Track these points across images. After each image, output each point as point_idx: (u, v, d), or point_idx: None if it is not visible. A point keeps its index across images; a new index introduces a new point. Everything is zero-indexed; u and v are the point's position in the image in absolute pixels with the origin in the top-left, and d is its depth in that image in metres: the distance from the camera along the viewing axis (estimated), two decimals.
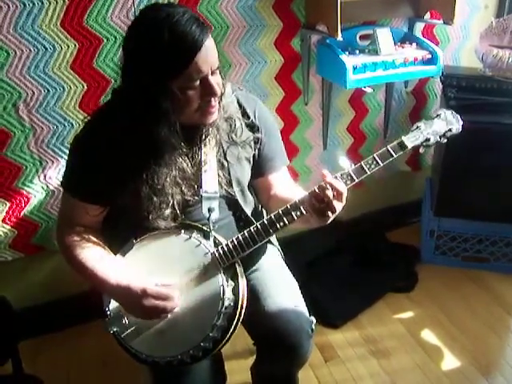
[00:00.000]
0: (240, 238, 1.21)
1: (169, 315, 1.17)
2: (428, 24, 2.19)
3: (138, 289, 1.15)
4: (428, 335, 2.08)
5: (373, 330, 2.11)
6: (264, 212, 1.50)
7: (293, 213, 1.18)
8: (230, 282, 1.21)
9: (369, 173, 1.18)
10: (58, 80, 1.74)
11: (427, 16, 2.12)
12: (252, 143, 1.33)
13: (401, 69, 1.96)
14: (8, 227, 1.90)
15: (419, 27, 2.20)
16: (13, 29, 1.62)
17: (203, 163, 1.24)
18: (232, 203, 1.35)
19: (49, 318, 2.11)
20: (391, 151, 1.19)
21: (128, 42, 1.10)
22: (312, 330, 1.36)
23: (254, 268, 1.41)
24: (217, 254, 1.21)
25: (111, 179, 1.18)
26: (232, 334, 1.20)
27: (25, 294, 2.03)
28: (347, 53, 1.95)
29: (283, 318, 1.31)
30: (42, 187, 1.89)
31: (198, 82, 1.08)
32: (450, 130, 1.25)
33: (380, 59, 1.92)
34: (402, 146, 1.20)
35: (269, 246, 1.48)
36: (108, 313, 1.24)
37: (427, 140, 1.22)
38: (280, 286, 1.40)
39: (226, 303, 1.17)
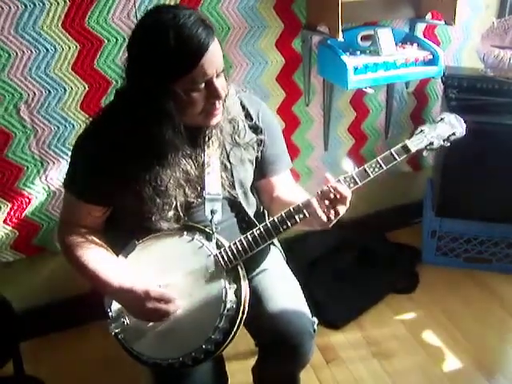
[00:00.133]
0: (243, 240, 1.20)
1: (171, 317, 1.17)
2: (429, 24, 2.19)
3: (140, 291, 1.14)
4: (429, 336, 2.07)
5: (374, 331, 2.11)
6: (266, 214, 1.50)
7: (296, 216, 1.17)
8: (233, 284, 1.20)
9: (372, 176, 1.18)
10: (59, 81, 1.74)
11: (428, 16, 2.12)
12: (255, 145, 1.32)
13: (402, 69, 1.96)
14: (9, 228, 1.90)
15: (420, 28, 2.19)
16: (14, 30, 1.62)
17: (206, 165, 1.24)
18: (234, 205, 1.35)
19: (50, 318, 2.11)
20: (395, 155, 1.19)
21: (133, 43, 1.10)
22: (314, 330, 1.36)
23: (257, 270, 1.41)
24: (219, 256, 1.20)
25: (114, 180, 1.18)
26: (234, 336, 1.20)
27: (26, 294, 2.04)
28: (348, 53, 1.95)
29: (285, 319, 1.31)
30: (44, 188, 1.89)
31: (202, 85, 1.08)
32: (453, 133, 1.25)
33: (381, 60, 1.92)
34: (405, 149, 1.20)
35: (271, 247, 1.48)
36: (110, 314, 1.23)
37: (431, 144, 1.23)
38: (282, 287, 1.39)
39: (228, 305, 1.17)
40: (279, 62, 2.03)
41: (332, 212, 1.13)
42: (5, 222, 1.88)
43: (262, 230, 1.20)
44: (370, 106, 2.30)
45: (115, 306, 1.23)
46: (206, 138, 1.22)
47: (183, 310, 1.19)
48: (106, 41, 1.74)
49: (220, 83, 1.11)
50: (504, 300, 2.23)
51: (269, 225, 1.19)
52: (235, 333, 1.20)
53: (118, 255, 1.27)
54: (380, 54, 1.94)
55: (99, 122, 1.24)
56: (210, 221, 1.26)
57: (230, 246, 1.21)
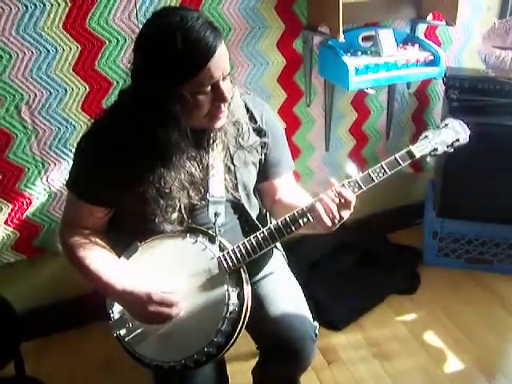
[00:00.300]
0: (246, 243, 1.20)
1: (173, 320, 1.16)
2: (430, 25, 2.18)
3: (142, 294, 1.14)
4: (431, 337, 2.07)
5: (375, 332, 2.10)
6: (268, 216, 1.49)
7: (300, 220, 1.17)
8: (235, 287, 1.20)
9: (376, 181, 1.18)
10: (61, 82, 1.75)
11: (429, 17, 2.12)
12: (259, 148, 1.32)
13: (403, 70, 1.96)
14: (10, 229, 1.90)
15: (421, 28, 2.19)
16: (15, 31, 1.62)
17: (210, 167, 1.24)
18: (237, 207, 1.35)
19: (51, 319, 2.11)
20: (399, 160, 1.20)
21: (140, 45, 1.09)
22: (316, 335, 1.36)
23: (259, 274, 1.40)
24: (223, 259, 1.20)
25: (117, 181, 1.17)
26: (236, 339, 1.20)
27: (27, 295, 2.04)
28: (349, 54, 1.95)
29: (287, 323, 1.31)
30: (45, 189, 1.89)
31: (209, 88, 1.08)
32: (457, 139, 1.25)
33: (382, 61, 1.92)
34: (410, 155, 1.21)
35: (273, 250, 1.48)
36: (111, 316, 1.23)
37: (435, 149, 1.23)
38: (284, 291, 1.39)
39: (231, 308, 1.17)
40: (280, 62, 2.03)
41: (336, 216, 1.13)
42: (6, 222, 1.88)
43: (265, 233, 1.19)
44: (371, 106, 2.30)
45: (117, 307, 1.23)
46: (211, 141, 1.22)
47: (186, 313, 1.18)
48: (107, 42, 1.74)
49: (226, 86, 1.10)
50: (505, 300, 2.23)
51: (272, 228, 1.19)
52: (237, 336, 1.20)
53: (119, 257, 1.26)
54: (381, 54, 1.94)
55: (103, 123, 1.23)
56: (214, 223, 1.25)
57: (233, 249, 1.20)
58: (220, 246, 1.23)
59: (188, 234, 1.24)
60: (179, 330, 1.18)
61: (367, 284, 2.29)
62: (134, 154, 1.15)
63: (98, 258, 1.24)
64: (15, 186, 1.84)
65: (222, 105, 1.12)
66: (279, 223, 1.19)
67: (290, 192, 1.38)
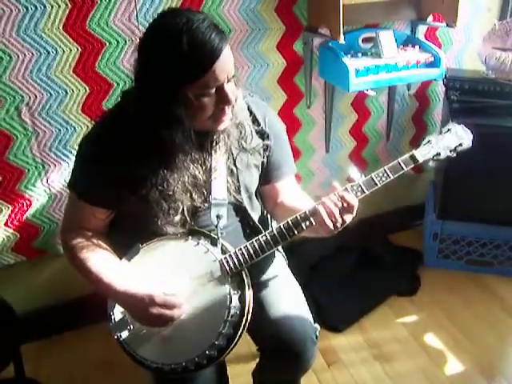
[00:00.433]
0: (248, 247, 1.20)
1: (175, 322, 1.16)
2: (431, 27, 2.18)
3: (145, 296, 1.13)
4: (431, 339, 2.07)
5: (376, 333, 2.10)
6: (269, 218, 1.49)
7: (302, 223, 1.17)
8: (237, 290, 1.20)
9: (379, 185, 1.19)
10: (61, 84, 1.75)
11: (430, 19, 2.11)
12: (261, 150, 1.32)
13: (403, 72, 1.96)
14: (10, 231, 1.90)
15: (422, 30, 2.19)
16: (15, 33, 1.62)
17: (213, 170, 1.24)
18: (239, 210, 1.35)
19: (51, 321, 2.11)
20: (402, 164, 1.20)
21: (144, 46, 1.08)
22: (316, 336, 1.36)
23: (260, 276, 1.40)
24: (224, 262, 1.20)
25: (119, 182, 1.17)
26: (237, 342, 1.19)
27: (27, 297, 2.04)
28: (349, 56, 1.95)
29: (288, 325, 1.31)
30: (45, 191, 1.89)
31: (213, 90, 1.07)
32: (460, 144, 1.26)
33: (383, 62, 1.92)
34: (413, 159, 1.21)
35: (275, 252, 1.47)
36: (112, 317, 1.23)
37: (438, 154, 1.24)
38: (285, 293, 1.39)
39: (232, 311, 1.17)
40: (280, 64, 2.03)
41: (339, 220, 1.13)
42: (6, 224, 1.88)
43: (267, 236, 1.19)
44: (371, 108, 2.30)
45: (118, 309, 1.23)
46: (214, 143, 1.22)
47: (187, 315, 1.18)
48: (107, 43, 1.74)
49: (230, 89, 1.10)
50: (506, 302, 2.22)
51: (275, 232, 1.19)
52: (238, 339, 1.19)
53: (121, 258, 1.26)
54: (381, 56, 1.93)
55: (105, 124, 1.23)
56: (216, 226, 1.25)
57: (235, 252, 1.20)
58: (222, 248, 1.23)
59: (190, 237, 1.24)
60: (180, 332, 1.18)
61: (367, 285, 2.28)
62: (136, 155, 1.14)
63: (100, 259, 1.23)
64: (15, 188, 1.84)
65: (226, 107, 1.12)
66: (282, 226, 1.19)
67: (292, 195, 1.37)
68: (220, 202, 1.26)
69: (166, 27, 1.05)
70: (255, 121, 1.30)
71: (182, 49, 1.01)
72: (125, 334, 1.22)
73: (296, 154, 2.22)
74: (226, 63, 1.06)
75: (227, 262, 1.20)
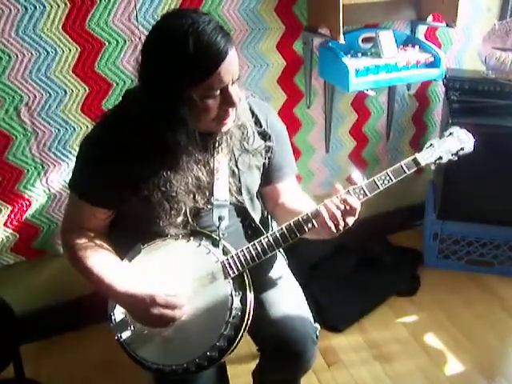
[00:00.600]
0: (250, 248, 1.20)
1: (176, 323, 1.15)
2: (430, 27, 2.18)
3: (146, 297, 1.13)
4: (431, 339, 2.07)
5: (376, 334, 2.10)
6: (270, 219, 1.49)
7: (305, 225, 1.17)
8: (238, 291, 1.20)
9: (382, 188, 1.19)
10: (60, 83, 1.74)
11: (430, 19, 2.11)
12: (263, 151, 1.32)
13: (403, 72, 1.96)
14: (10, 231, 1.90)
15: (422, 30, 2.19)
16: (15, 32, 1.62)
17: (216, 171, 1.23)
18: (241, 211, 1.34)
19: (50, 321, 2.11)
20: (405, 168, 1.21)
21: (149, 47, 1.08)
22: (317, 336, 1.36)
23: (262, 278, 1.39)
24: (226, 263, 1.19)
25: (120, 183, 1.16)
26: (238, 343, 1.19)
27: (26, 297, 2.03)
28: (349, 56, 1.95)
29: (288, 325, 1.31)
30: (44, 191, 1.88)
31: (218, 92, 1.07)
32: (462, 148, 1.26)
33: (382, 62, 1.92)
34: (415, 163, 1.22)
35: (276, 253, 1.47)
36: (113, 318, 1.22)
37: (440, 158, 1.24)
38: (285, 293, 1.39)
39: (234, 313, 1.16)
40: (280, 64, 2.03)
41: (341, 223, 1.13)
42: (5, 224, 1.88)
43: (269, 238, 1.19)
44: (371, 108, 2.30)
45: (119, 310, 1.22)
46: (216, 144, 1.21)
47: (188, 316, 1.18)
48: (107, 43, 1.74)
49: (234, 90, 1.10)
50: (506, 302, 2.22)
51: (277, 234, 1.19)
52: (239, 340, 1.19)
53: (122, 259, 1.26)
54: (381, 56, 1.93)
55: (106, 125, 1.22)
56: (218, 227, 1.25)
57: (237, 254, 1.20)
58: (223, 250, 1.23)
59: (192, 237, 1.23)
60: (181, 333, 1.18)
61: (367, 286, 2.28)
62: (138, 156, 1.14)
63: (100, 259, 1.23)
64: (14, 188, 1.84)
65: (230, 109, 1.12)
66: (284, 228, 1.19)
67: (293, 196, 1.37)
68: (222, 203, 1.26)
69: (171, 29, 1.04)
70: (257, 122, 1.30)
71: (188, 51, 1.00)
72: (125, 335, 1.21)
73: (296, 153, 2.22)
74: (231, 65, 1.05)
75: (229, 263, 1.19)
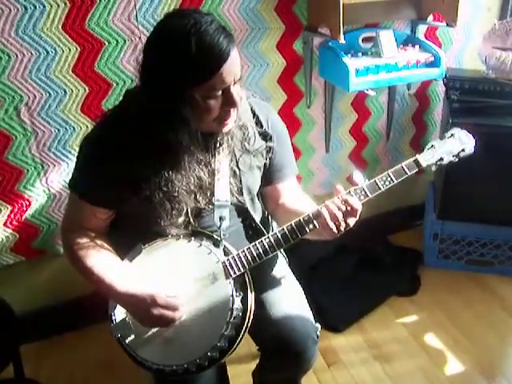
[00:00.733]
0: (251, 249, 1.20)
1: (176, 323, 1.15)
2: (431, 26, 2.18)
3: (146, 297, 1.13)
4: (431, 339, 2.07)
5: (376, 334, 2.10)
6: (270, 219, 1.49)
7: (306, 226, 1.17)
8: (239, 291, 1.20)
9: (383, 189, 1.19)
10: (60, 83, 1.74)
11: (430, 18, 2.11)
12: (264, 152, 1.32)
13: (403, 71, 1.95)
14: (9, 231, 1.89)
15: (422, 29, 2.19)
16: (14, 32, 1.62)
17: (217, 171, 1.23)
18: (241, 211, 1.34)
19: (50, 321, 2.10)
20: (406, 169, 1.21)
21: (151, 48, 1.08)
22: (317, 336, 1.36)
23: (263, 278, 1.39)
24: (227, 264, 1.19)
25: (121, 183, 1.16)
26: (239, 343, 1.19)
27: (26, 297, 2.03)
28: (350, 55, 1.95)
29: (289, 325, 1.31)
30: (44, 191, 1.88)
31: (220, 92, 1.07)
32: (463, 149, 1.27)
33: (383, 62, 1.91)
34: (417, 164, 1.23)
35: (277, 253, 1.47)
36: (113, 318, 1.22)
37: (441, 159, 1.25)
38: (285, 293, 1.39)
39: (235, 313, 1.16)
40: (280, 63, 2.02)
41: (342, 224, 1.13)
42: (5, 224, 1.88)
43: (271, 239, 1.19)
44: (371, 107, 2.30)
45: (119, 310, 1.22)
46: (217, 144, 1.21)
47: (189, 317, 1.17)
48: (107, 43, 1.74)
49: (236, 91, 1.10)
50: (506, 302, 2.22)
51: (278, 234, 1.19)
52: (240, 340, 1.19)
53: (122, 259, 1.26)
54: (381, 55, 1.93)
55: (106, 125, 1.22)
56: (219, 227, 1.25)
57: (238, 254, 1.20)
58: (224, 250, 1.22)
59: (193, 238, 1.23)
60: (182, 333, 1.18)
61: (368, 286, 2.28)
62: (138, 155, 1.14)
63: (101, 259, 1.23)
64: (14, 188, 1.83)
65: (232, 109, 1.12)
66: (285, 229, 1.19)
67: (294, 196, 1.37)
68: (223, 203, 1.26)
69: (173, 29, 1.04)
70: (258, 122, 1.30)
71: (191, 51, 1.00)
72: (126, 335, 1.21)
73: (296, 153, 2.20)
74: (233, 66, 1.06)
75: (230, 263, 1.19)
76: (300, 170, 2.25)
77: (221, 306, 1.17)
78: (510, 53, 2.05)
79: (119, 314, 1.22)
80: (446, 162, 1.25)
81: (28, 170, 1.82)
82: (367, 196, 1.18)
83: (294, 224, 1.18)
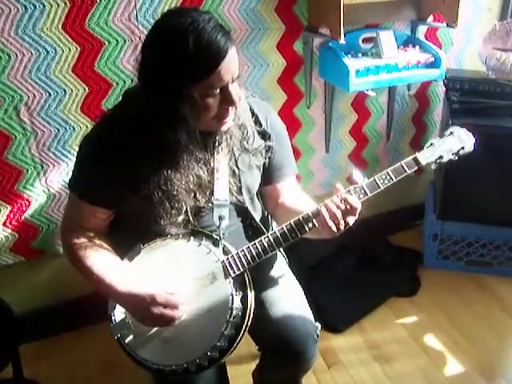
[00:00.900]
0: (251, 248, 1.20)
1: (176, 323, 1.15)
2: (431, 27, 2.18)
3: (146, 295, 1.13)
4: (431, 340, 2.06)
5: (375, 334, 2.10)
6: (270, 219, 1.49)
7: (305, 225, 1.17)
8: (239, 291, 1.19)
9: (382, 188, 1.19)
10: (60, 83, 1.74)
11: (430, 19, 2.11)
12: (263, 151, 1.32)
13: (404, 72, 1.95)
14: (9, 231, 1.89)
15: (422, 30, 2.19)
16: (14, 32, 1.62)
17: (216, 170, 1.23)
18: (241, 211, 1.34)
19: (49, 321, 2.10)
20: (405, 167, 1.21)
21: (149, 46, 1.08)
22: (317, 335, 1.36)
23: (262, 277, 1.39)
24: (227, 263, 1.19)
25: (120, 182, 1.16)
26: (238, 343, 1.19)
27: (25, 297, 2.03)
28: (350, 56, 1.95)
29: (289, 325, 1.31)
30: (43, 191, 1.88)
31: (218, 90, 1.07)
32: (462, 147, 1.27)
33: (383, 62, 1.91)
34: (416, 162, 1.22)
35: (276, 253, 1.47)
36: (113, 318, 1.22)
37: (440, 157, 1.24)
38: (286, 292, 1.39)
39: (235, 312, 1.16)
40: (280, 64, 2.02)
41: (342, 222, 1.13)
42: (4, 224, 1.87)
43: (270, 238, 1.19)
44: (371, 108, 2.30)
45: (119, 309, 1.22)
46: (216, 143, 1.21)
47: (189, 316, 1.17)
48: (107, 43, 1.74)
49: (234, 89, 1.10)
50: (505, 303, 2.22)
51: (277, 233, 1.19)
52: (240, 340, 1.19)
53: (122, 259, 1.25)
54: (382, 56, 1.93)
55: (106, 124, 1.22)
56: (218, 227, 1.25)
57: (237, 253, 1.20)
58: (224, 249, 1.22)
59: (192, 237, 1.23)
60: (182, 333, 1.18)
61: (367, 286, 2.28)
62: (139, 155, 1.14)
63: (100, 259, 1.23)
64: (14, 188, 1.83)
65: (230, 108, 1.12)
66: (284, 228, 1.18)
67: (293, 196, 1.37)
68: (222, 202, 1.26)
69: (171, 27, 1.04)
70: (257, 122, 1.30)
71: (188, 49, 1.00)
72: (125, 335, 1.21)
73: (296, 154, 2.21)
74: (231, 64, 1.05)
75: (229, 262, 1.19)
76: (300, 171, 2.27)
77: (220, 305, 1.17)
78: (510, 54, 2.05)
79: (119, 313, 1.22)
80: (445, 160, 1.25)
81: (28, 170, 1.82)
82: (367, 194, 1.18)
83: (293, 223, 1.18)
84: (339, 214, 1.12)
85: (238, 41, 1.89)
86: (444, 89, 2.24)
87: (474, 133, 1.30)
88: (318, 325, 1.37)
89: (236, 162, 1.27)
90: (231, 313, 1.16)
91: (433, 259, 2.43)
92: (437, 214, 2.30)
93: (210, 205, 1.25)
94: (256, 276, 1.34)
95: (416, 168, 1.22)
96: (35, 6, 1.61)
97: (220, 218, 1.25)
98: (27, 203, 1.87)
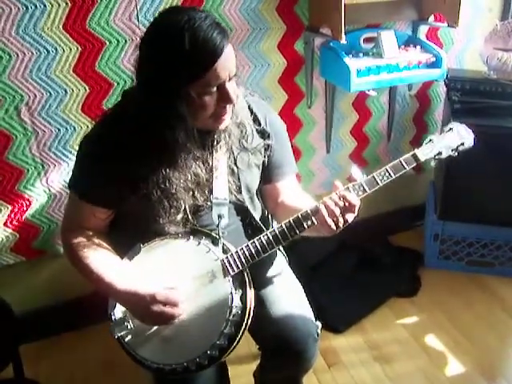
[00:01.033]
0: (250, 246, 1.19)
1: (176, 321, 1.15)
2: (432, 27, 2.18)
3: (146, 294, 1.13)
4: (432, 340, 2.06)
5: (376, 334, 2.09)
6: (270, 218, 1.49)
7: (304, 223, 1.17)
8: (238, 289, 1.20)
9: (381, 184, 1.18)
10: (61, 83, 1.74)
11: (431, 19, 2.11)
12: (262, 150, 1.32)
13: (405, 72, 1.95)
14: (10, 231, 1.89)
15: (423, 30, 2.19)
16: (15, 31, 1.62)
17: (214, 169, 1.23)
18: (241, 209, 1.34)
19: (50, 321, 2.10)
20: (404, 164, 1.20)
21: (146, 45, 1.08)
22: (318, 334, 1.35)
23: (262, 276, 1.39)
24: (226, 262, 1.19)
25: (120, 182, 1.16)
26: (238, 342, 1.19)
27: (26, 297, 2.03)
28: (351, 56, 1.95)
29: (290, 324, 1.31)
30: (44, 191, 1.88)
31: (215, 88, 1.07)
32: (462, 144, 1.26)
33: (384, 62, 1.91)
34: (415, 158, 1.21)
35: (276, 251, 1.47)
36: (113, 317, 1.22)
37: (439, 153, 1.24)
38: (286, 292, 1.39)
39: (234, 311, 1.16)
40: (281, 64, 2.02)
41: (340, 220, 1.12)
42: (5, 224, 1.87)
43: (269, 236, 1.19)
44: (372, 108, 2.30)
45: (119, 308, 1.22)
46: (215, 142, 1.21)
47: (188, 315, 1.17)
48: (108, 42, 1.74)
49: (231, 87, 1.10)
50: (506, 303, 2.22)
51: (277, 231, 1.19)
52: (240, 338, 1.19)
53: (122, 258, 1.25)
54: (383, 56, 1.93)
55: (106, 124, 1.22)
56: (217, 225, 1.25)
57: (236, 252, 1.20)
58: (223, 248, 1.22)
59: (191, 236, 1.23)
60: (182, 332, 1.18)
61: (368, 286, 2.28)
62: (138, 154, 1.14)
63: (100, 258, 1.23)
64: (15, 188, 1.83)
65: (227, 106, 1.12)
66: (283, 226, 1.18)
67: (293, 195, 1.37)
68: (221, 201, 1.26)
69: (167, 25, 1.04)
70: (256, 120, 1.30)
71: (184, 47, 1.00)
72: (125, 334, 1.21)
73: (296, 154, 2.21)
74: (227, 61, 1.05)
75: (229, 261, 1.19)
76: (301, 171, 2.27)
77: (220, 303, 1.17)
78: (511, 53, 2.05)
79: (119, 313, 1.22)
80: (444, 156, 1.24)
81: (28, 170, 1.82)
82: (365, 191, 1.17)
83: (292, 221, 1.18)
84: (338, 212, 1.12)
85: (239, 41, 1.89)
86: (445, 89, 2.24)
87: (474, 133, 1.29)
88: (319, 324, 1.37)
89: (235, 160, 1.27)
90: (231, 311, 1.16)
91: (434, 259, 2.42)
92: (438, 214, 2.29)
93: (208, 203, 1.25)
94: (256, 275, 1.34)
95: (415, 164, 1.21)
96: (36, 6, 1.61)
97: (219, 217, 1.25)
98: (28, 203, 1.87)
